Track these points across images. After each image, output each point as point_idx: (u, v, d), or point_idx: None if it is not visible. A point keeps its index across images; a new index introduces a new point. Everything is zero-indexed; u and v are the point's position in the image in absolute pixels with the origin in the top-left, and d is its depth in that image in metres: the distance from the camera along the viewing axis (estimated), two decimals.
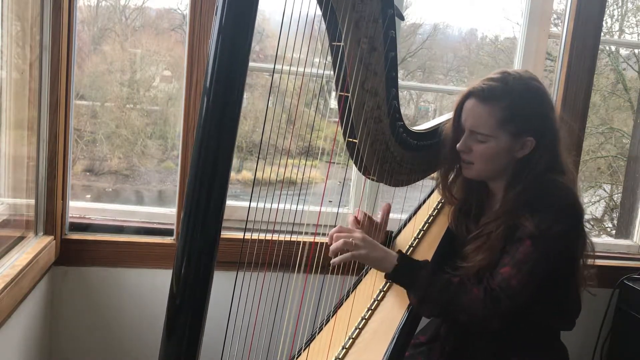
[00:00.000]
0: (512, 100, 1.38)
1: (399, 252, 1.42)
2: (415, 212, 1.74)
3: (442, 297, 1.36)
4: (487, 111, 1.39)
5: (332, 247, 1.40)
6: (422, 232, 1.65)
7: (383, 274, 1.44)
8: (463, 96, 1.45)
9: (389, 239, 1.67)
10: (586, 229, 1.46)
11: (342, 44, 1.28)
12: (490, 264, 1.38)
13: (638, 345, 2.11)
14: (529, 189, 1.39)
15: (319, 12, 1.24)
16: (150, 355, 2.02)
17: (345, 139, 1.41)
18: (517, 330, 1.43)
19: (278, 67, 1.11)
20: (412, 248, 1.61)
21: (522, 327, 1.43)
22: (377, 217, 1.65)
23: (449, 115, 1.56)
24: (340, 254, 1.39)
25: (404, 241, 1.65)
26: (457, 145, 1.44)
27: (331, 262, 1.39)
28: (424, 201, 1.77)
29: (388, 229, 1.68)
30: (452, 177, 1.57)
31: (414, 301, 1.39)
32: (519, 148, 1.41)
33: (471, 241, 1.45)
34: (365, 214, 1.61)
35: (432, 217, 1.68)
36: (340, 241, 1.39)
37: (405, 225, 1.72)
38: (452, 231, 1.57)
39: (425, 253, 1.56)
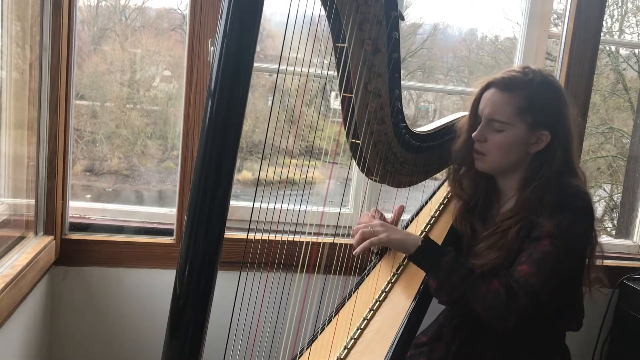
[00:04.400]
0: (531, 90, 1.40)
1: (424, 235, 1.43)
2: (418, 212, 1.74)
3: (462, 284, 1.35)
4: (506, 99, 1.41)
5: (354, 242, 1.47)
6: (424, 233, 1.64)
7: (385, 274, 1.44)
8: (482, 88, 1.47)
9: None
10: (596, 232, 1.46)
11: (345, 45, 1.28)
12: (503, 262, 1.37)
13: (638, 345, 2.11)
14: (545, 189, 1.38)
15: (323, 12, 1.24)
16: (151, 355, 2.02)
17: (348, 140, 1.41)
18: (525, 332, 1.42)
19: (281, 67, 1.11)
20: None
21: (530, 329, 1.43)
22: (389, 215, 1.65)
23: (451, 117, 1.56)
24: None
25: None
26: (473, 134, 1.45)
27: (353, 252, 1.45)
28: (426, 202, 1.77)
29: None
30: (463, 170, 1.56)
31: (432, 284, 1.38)
32: (534, 142, 1.41)
33: (484, 239, 1.44)
34: (378, 212, 1.61)
35: (433, 218, 1.68)
36: (359, 233, 1.46)
37: (407, 226, 1.72)
38: (455, 230, 1.57)
39: None
